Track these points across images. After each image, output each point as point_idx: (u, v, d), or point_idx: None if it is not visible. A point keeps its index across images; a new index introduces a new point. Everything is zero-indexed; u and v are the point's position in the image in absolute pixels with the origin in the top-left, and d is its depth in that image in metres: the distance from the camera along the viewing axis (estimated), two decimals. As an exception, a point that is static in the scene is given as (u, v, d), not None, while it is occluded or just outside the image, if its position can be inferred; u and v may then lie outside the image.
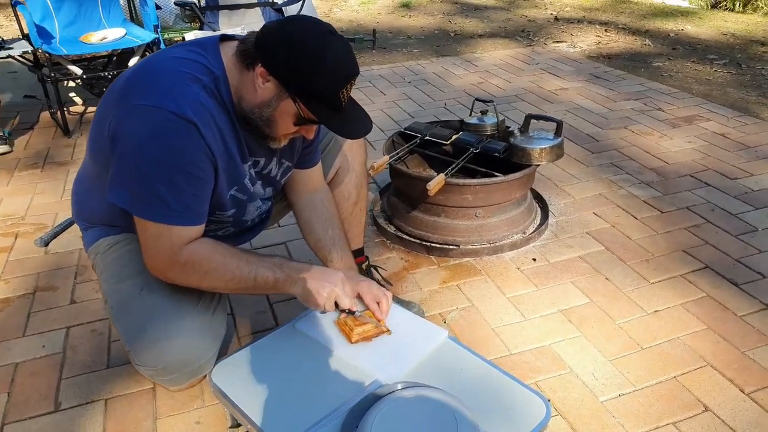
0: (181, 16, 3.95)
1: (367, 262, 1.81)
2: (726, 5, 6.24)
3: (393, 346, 1.25)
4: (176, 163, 1.13)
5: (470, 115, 2.38)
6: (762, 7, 5.97)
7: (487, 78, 4.03)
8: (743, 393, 1.50)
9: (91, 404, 1.51)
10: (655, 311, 1.80)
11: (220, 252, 1.23)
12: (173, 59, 1.18)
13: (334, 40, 1.13)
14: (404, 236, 2.17)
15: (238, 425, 1.21)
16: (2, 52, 3.18)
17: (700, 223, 2.25)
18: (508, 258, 2.08)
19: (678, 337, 1.69)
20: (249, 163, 1.30)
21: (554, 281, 1.95)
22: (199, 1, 3.78)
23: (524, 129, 2.17)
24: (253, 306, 1.84)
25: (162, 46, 3.35)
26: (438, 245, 2.10)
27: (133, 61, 3.39)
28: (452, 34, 5.29)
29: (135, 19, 3.89)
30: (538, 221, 2.26)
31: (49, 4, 3.33)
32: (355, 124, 1.21)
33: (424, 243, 2.12)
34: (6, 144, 3.01)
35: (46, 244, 1.73)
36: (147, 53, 3.39)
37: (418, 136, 2.24)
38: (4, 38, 3.36)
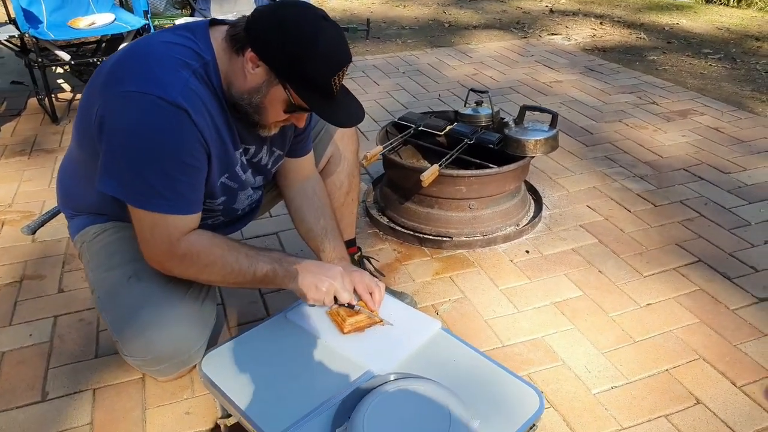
0: (172, 2, 3.88)
1: (359, 253, 1.80)
2: (721, 0, 6.24)
3: (385, 336, 1.24)
4: (169, 151, 1.10)
5: (465, 105, 2.36)
6: (756, 2, 5.98)
7: (481, 69, 4.01)
8: (735, 386, 1.50)
9: (78, 394, 1.49)
10: (648, 304, 1.80)
11: (218, 245, 1.21)
12: (162, 43, 1.14)
13: (327, 26, 1.10)
14: (397, 227, 2.15)
15: (229, 416, 1.19)
16: (-12, 36, 3.13)
17: (694, 216, 2.26)
18: (501, 250, 2.07)
19: (670, 330, 1.69)
20: (240, 150, 1.28)
21: (547, 274, 1.94)
22: (190, -13, 3.73)
23: (519, 120, 2.15)
24: (244, 296, 1.81)
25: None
26: (431, 237, 2.08)
27: (122, 48, 3.34)
28: (447, 25, 5.25)
29: (125, 4, 3.82)
30: (531, 213, 2.25)
31: (37, -12, 3.27)
32: (347, 112, 1.19)
33: (417, 234, 2.10)
34: (-8, 130, 2.97)
35: (33, 232, 1.70)
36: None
37: (412, 127, 2.22)
38: (-9, 22, 3.31)
